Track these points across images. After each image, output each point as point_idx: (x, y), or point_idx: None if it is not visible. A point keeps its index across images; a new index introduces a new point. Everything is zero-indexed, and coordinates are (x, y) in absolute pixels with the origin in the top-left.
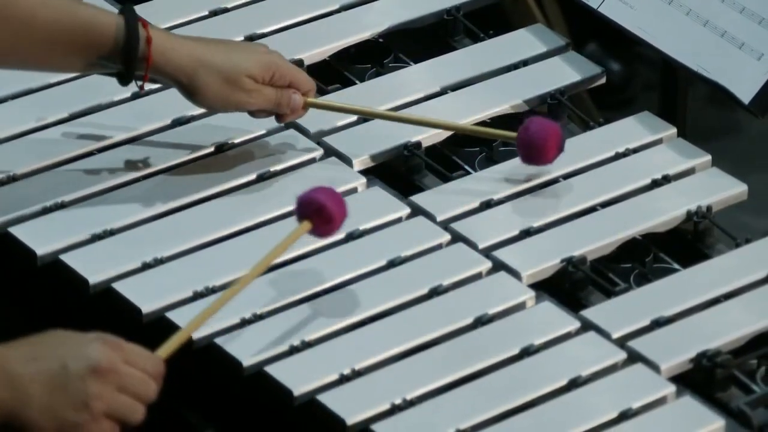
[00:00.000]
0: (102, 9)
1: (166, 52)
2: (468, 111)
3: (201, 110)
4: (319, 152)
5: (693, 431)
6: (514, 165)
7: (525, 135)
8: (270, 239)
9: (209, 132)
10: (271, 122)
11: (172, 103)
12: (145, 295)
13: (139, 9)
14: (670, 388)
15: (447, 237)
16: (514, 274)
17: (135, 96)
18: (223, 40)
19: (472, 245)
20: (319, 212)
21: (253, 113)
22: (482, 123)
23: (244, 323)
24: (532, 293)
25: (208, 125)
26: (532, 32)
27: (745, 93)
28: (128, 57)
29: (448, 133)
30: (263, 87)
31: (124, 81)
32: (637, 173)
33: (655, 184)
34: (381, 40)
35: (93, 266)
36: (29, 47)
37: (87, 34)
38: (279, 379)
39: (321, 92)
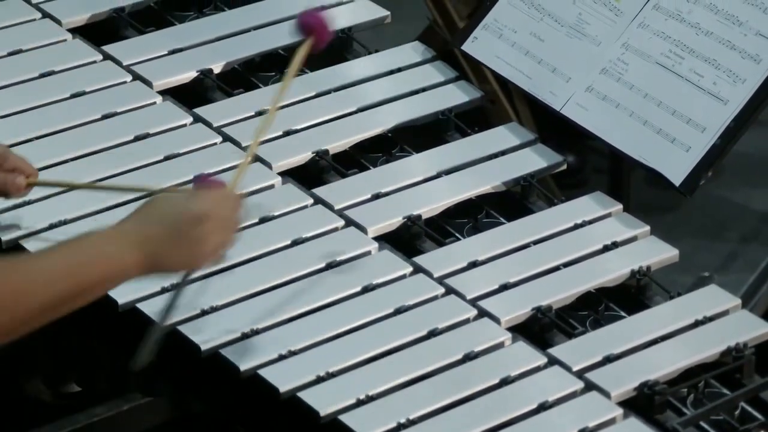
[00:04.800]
0: None
1: None
2: (458, 190)
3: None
4: (340, 223)
5: None
6: (495, 233)
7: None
8: (301, 292)
9: (253, 208)
10: (302, 199)
11: None
12: (204, 336)
13: (202, 111)
14: (619, 411)
15: (441, 290)
16: (495, 319)
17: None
18: None
19: (461, 296)
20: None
21: None
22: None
23: (282, 358)
24: (508, 335)
25: (254, 202)
26: (508, 129)
27: (676, 177)
28: None
29: (444, 208)
30: None
31: None
32: (591, 240)
33: (606, 248)
34: (390, 134)
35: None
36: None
37: None
38: (310, 403)
39: (342, 175)
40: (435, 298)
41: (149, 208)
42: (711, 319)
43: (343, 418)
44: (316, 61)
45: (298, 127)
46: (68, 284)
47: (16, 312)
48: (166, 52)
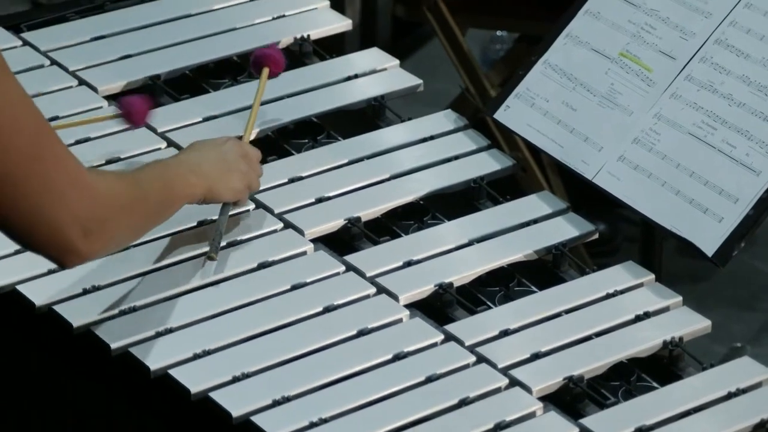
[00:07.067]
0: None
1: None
2: (489, 259)
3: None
4: (372, 290)
5: None
6: (526, 302)
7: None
8: (332, 360)
9: (286, 274)
10: (334, 266)
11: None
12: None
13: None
14: None
15: (473, 358)
16: (526, 389)
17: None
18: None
19: (492, 365)
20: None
21: None
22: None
23: (313, 425)
24: (540, 404)
25: (287, 268)
26: (540, 197)
27: (709, 247)
28: None
29: (475, 276)
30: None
31: None
32: (623, 310)
33: (638, 318)
34: (422, 202)
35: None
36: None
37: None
38: None
39: (374, 243)
40: (466, 366)
41: (194, 147)
42: (744, 391)
43: None
44: (348, 129)
45: (331, 194)
46: (163, 196)
47: (133, 215)
48: (200, 119)
